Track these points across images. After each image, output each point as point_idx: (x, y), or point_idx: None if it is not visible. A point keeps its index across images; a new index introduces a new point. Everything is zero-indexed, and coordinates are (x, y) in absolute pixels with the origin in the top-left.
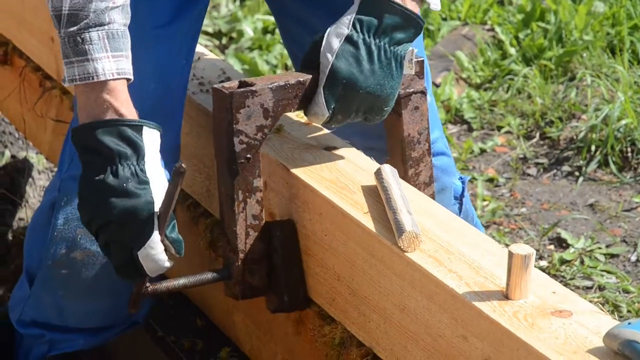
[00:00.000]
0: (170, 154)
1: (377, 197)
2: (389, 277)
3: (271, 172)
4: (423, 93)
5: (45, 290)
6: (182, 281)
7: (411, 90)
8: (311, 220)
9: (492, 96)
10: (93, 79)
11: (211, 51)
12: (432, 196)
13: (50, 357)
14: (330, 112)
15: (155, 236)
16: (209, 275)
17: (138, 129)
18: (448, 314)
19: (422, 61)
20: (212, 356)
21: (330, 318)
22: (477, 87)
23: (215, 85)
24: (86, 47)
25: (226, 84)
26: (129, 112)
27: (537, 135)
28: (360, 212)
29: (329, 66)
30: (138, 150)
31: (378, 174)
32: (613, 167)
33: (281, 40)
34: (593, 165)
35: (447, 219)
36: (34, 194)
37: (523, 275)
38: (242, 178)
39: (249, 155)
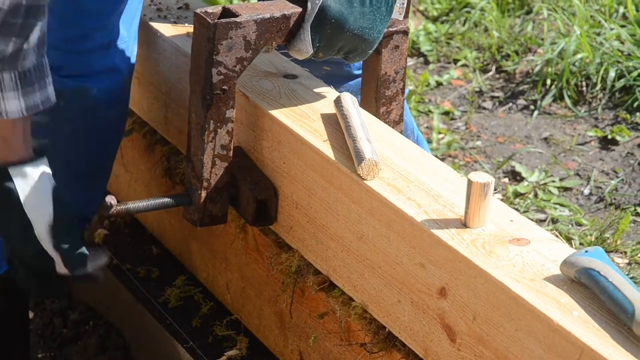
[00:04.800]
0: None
1: (336, 125)
2: (348, 205)
3: None
4: (405, 33)
5: None
6: (143, 204)
7: (394, 29)
8: (270, 148)
9: (449, 29)
10: (2, 116)
11: None
12: (401, 134)
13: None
14: (314, 49)
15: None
16: (170, 200)
17: (6, 174)
18: (406, 242)
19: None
20: (168, 284)
21: (287, 246)
22: (434, 20)
23: (198, 11)
24: None
25: (209, 10)
26: (14, 154)
27: (493, 68)
28: (319, 140)
29: (319, 3)
30: (10, 194)
31: (337, 102)
32: (568, 101)
33: None
34: (548, 99)
35: (406, 147)
36: None
37: (482, 203)
38: (215, 109)
39: (225, 87)
